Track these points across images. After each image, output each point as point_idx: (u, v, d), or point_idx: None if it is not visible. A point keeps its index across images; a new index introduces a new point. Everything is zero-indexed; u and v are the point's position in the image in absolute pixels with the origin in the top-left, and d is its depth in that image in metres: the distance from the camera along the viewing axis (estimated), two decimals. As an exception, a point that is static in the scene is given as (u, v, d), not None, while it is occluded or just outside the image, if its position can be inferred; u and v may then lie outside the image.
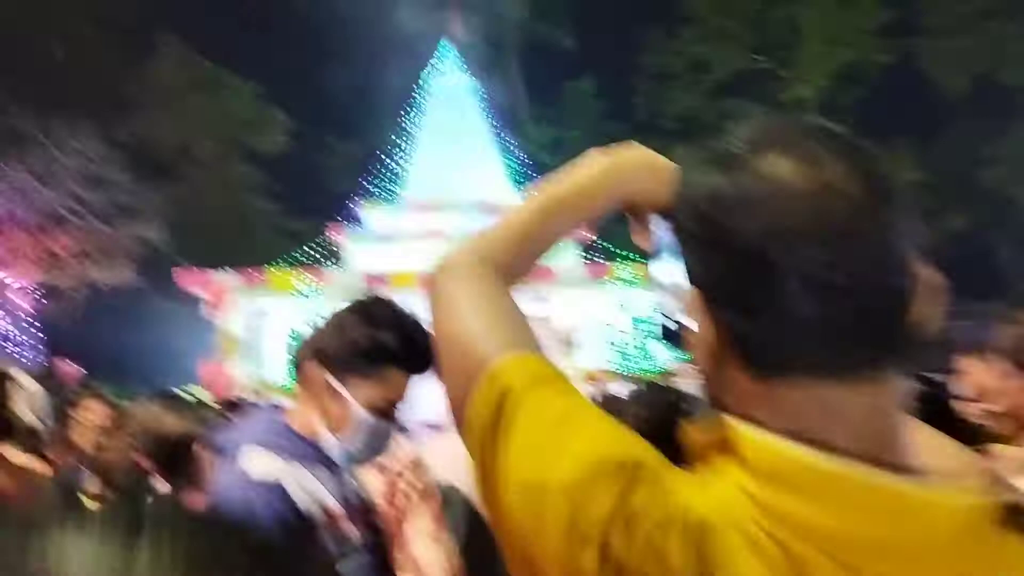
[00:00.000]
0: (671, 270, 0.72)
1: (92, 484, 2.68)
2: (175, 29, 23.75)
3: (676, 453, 0.65)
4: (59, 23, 18.79)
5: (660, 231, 0.83)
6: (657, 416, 1.72)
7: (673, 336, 0.71)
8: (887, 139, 23.00)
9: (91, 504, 2.55)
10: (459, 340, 0.74)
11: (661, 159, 0.85)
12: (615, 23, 28.59)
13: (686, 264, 0.66)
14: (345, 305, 1.56)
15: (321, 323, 1.57)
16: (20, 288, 13.27)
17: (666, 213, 0.78)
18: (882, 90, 22.49)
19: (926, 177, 22.78)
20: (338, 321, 1.53)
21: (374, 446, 1.53)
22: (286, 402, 1.67)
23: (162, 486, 2.22)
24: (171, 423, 2.23)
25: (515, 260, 0.83)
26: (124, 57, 21.82)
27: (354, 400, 1.47)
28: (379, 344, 1.47)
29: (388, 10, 26.30)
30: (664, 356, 14.29)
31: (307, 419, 1.51)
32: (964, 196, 23.22)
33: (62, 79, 17.98)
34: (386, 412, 1.51)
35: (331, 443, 1.49)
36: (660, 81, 26.20)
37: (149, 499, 2.23)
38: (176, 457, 2.16)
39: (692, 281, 0.66)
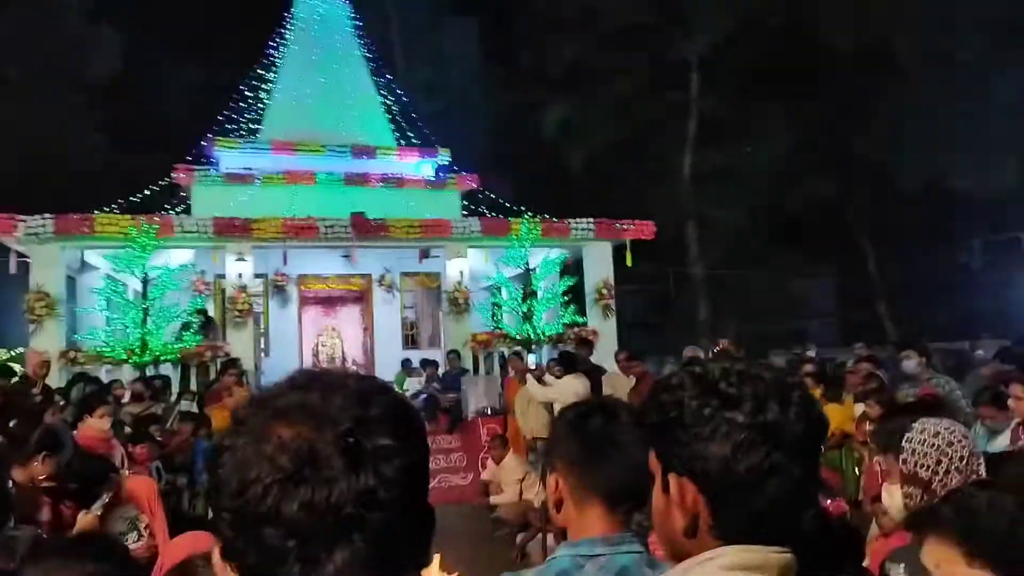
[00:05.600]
0: None
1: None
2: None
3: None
4: None
5: None
6: None
7: None
8: (767, 101, 22.79)
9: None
10: None
11: None
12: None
13: None
14: None
15: None
16: None
17: None
18: (771, 52, 22.08)
19: (799, 140, 22.89)
20: None
21: None
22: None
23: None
24: None
25: None
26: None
27: None
28: None
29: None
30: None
31: None
32: (833, 162, 23.48)
33: None
34: None
35: None
36: (547, 27, 24.77)
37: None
38: None
39: None
